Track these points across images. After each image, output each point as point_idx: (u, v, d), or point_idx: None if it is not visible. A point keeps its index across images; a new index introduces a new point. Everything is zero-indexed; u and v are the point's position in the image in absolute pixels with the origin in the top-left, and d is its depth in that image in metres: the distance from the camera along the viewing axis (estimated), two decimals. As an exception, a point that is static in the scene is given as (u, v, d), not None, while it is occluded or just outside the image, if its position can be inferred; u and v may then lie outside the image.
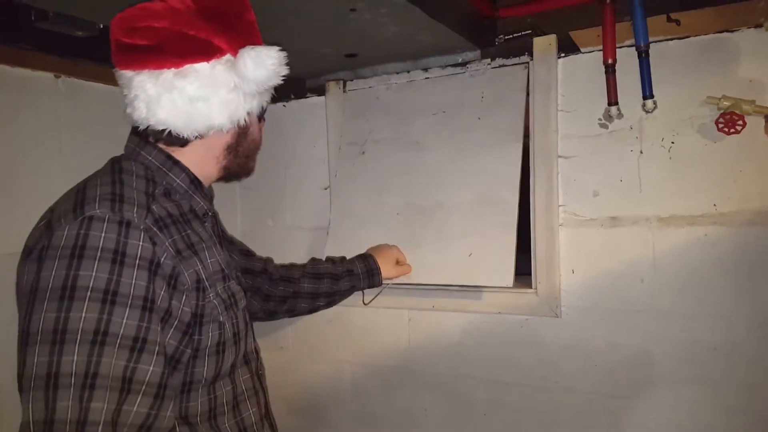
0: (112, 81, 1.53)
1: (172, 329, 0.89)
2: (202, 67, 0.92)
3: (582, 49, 1.43)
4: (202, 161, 1.03)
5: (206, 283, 0.95)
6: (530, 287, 1.52)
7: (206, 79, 0.92)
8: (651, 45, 1.31)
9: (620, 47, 1.35)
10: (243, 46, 0.94)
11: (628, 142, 1.40)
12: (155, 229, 0.88)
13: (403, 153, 1.63)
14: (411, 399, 1.70)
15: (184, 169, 1.01)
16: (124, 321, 0.81)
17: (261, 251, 1.74)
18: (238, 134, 1.04)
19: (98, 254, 0.80)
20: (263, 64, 0.93)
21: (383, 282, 1.51)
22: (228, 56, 0.94)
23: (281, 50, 0.96)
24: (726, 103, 1.25)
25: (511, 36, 1.45)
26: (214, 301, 0.96)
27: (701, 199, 1.33)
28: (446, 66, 1.59)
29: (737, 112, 1.25)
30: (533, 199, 1.49)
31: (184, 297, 0.91)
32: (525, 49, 1.47)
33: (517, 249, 1.43)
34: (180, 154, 1.01)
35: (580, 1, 1.37)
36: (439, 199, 1.55)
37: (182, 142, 0.99)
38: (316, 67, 1.68)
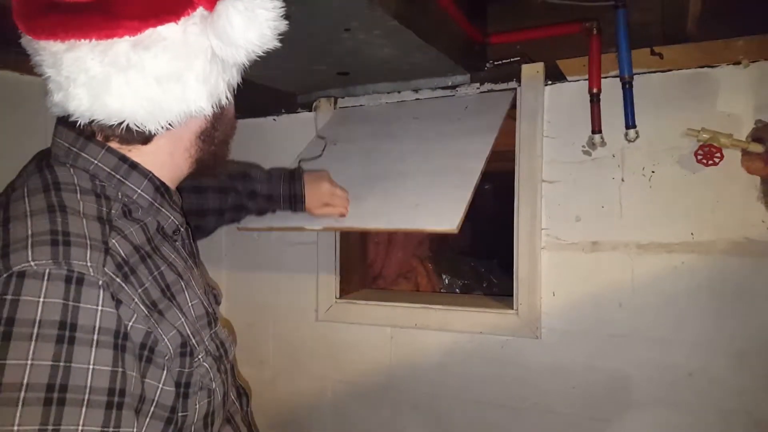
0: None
1: (148, 419, 0.65)
2: (169, 30, 0.65)
3: (568, 78, 1.47)
4: (169, 159, 0.76)
5: (193, 342, 0.71)
6: (512, 308, 1.54)
7: (177, 49, 0.66)
8: (635, 76, 1.35)
9: (605, 77, 1.40)
10: None
11: (611, 170, 1.43)
12: (118, 280, 0.63)
13: (374, 141, 1.59)
14: (392, 417, 1.69)
15: (146, 174, 0.74)
16: (80, 428, 0.55)
17: (247, 264, 1.74)
18: (215, 117, 0.78)
19: (35, 331, 0.55)
20: (256, 20, 0.66)
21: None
22: (200, 10, 0.67)
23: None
24: (705, 136, 1.29)
25: (500, 62, 1.49)
26: (205, 363, 0.73)
27: (679, 228, 1.37)
28: (436, 88, 1.62)
29: (715, 144, 1.29)
30: (517, 221, 1.52)
31: (165, 372, 0.66)
32: (513, 75, 1.51)
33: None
34: (139, 154, 0.74)
35: (567, 32, 1.41)
36: (400, 168, 1.47)
37: (144, 138, 0.72)
38: (307, 83, 1.70)
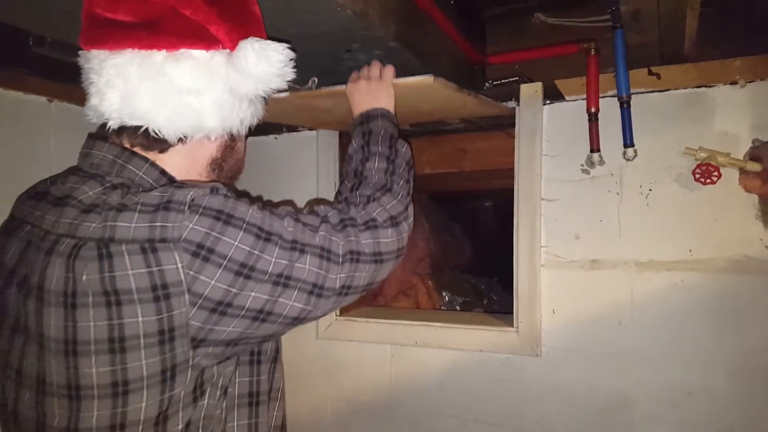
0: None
1: None
2: (199, 54, 0.77)
3: (567, 97, 1.48)
4: (185, 175, 0.82)
5: None
6: (512, 326, 1.54)
7: (203, 70, 0.76)
8: (632, 96, 1.37)
9: (603, 97, 1.41)
10: (242, 38, 0.79)
11: (609, 188, 1.44)
12: None
13: None
14: (390, 436, 1.69)
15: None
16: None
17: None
18: (225, 147, 0.86)
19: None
20: (267, 59, 0.78)
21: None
22: (227, 51, 0.79)
23: (289, 48, 0.81)
24: (703, 155, 1.31)
25: (499, 82, 1.50)
26: None
27: (678, 246, 1.38)
28: (435, 107, 1.64)
29: (713, 163, 1.30)
30: (516, 239, 1.53)
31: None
32: (512, 95, 1.52)
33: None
34: (159, 163, 0.80)
35: (565, 52, 1.43)
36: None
37: (161, 145, 0.79)
38: (308, 102, 1.71)
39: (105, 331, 0.67)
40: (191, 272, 0.67)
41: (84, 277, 0.66)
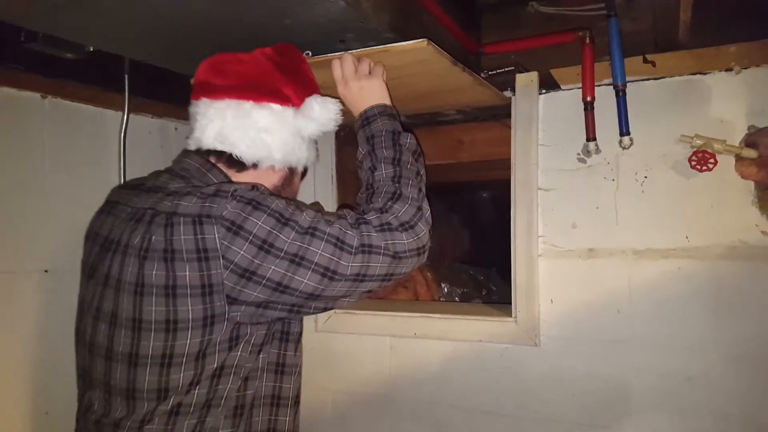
0: (100, 103, 1.56)
1: None
2: (276, 107, 1.05)
3: (562, 86, 1.48)
4: None
5: None
6: (510, 316, 1.54)
7: (277, 117, 1.04)
8: (628, 84, 1.36)
9: (599, 85, 1.41)
10: (306, 96, 1.08)
11: (606, 177, 1.44)
12: None
13: None
14: (392, 427, 1.69)
15: None
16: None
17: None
18: (285, 178, 1.10)
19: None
20: (327, 109, 1.07)
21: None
22: (294, 107, 1.07)
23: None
24: (699, 142, 1.31)
25: (494, 72, 1.50)
26: None
27: (675, 233, 1.38)
28: (431, 98, 1.63)
29: (709, 150, 1.30)
30: (514, 229, 1.53)
31: None
32: (508, 84, 1.52)
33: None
34: (233, 179, 1.05)
35: (561, 41, 1.43)
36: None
37: (240, 166, 1.04)
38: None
39: (163, 279, 0.87)
40: (225, 242, 0.86)
41: (154, 238, 0.88)
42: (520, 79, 1.50)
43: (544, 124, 1.51)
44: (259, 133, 1.03)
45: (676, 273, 1.38)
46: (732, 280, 1.33)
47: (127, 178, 1.60)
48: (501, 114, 1.61)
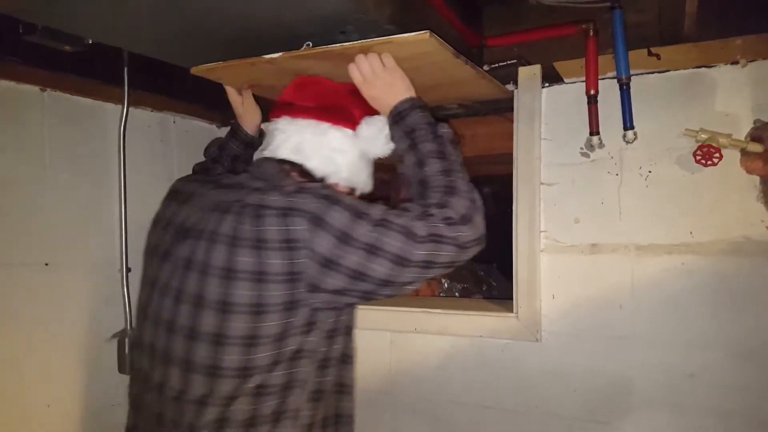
0: (99, 96, 1.56)
1: None
2: (348, 131, 1.15)
3: (565, 80, 1.46)
4: None
5: None
6: (512, 311, 1.53)
7: (348, 141, 1.15)
8: (632, 78, 1.35)
9: (602, 79, 1.39)
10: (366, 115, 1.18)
11: (609, 171, 1.43)
12: None
13: None
14: (392, 422, 1.69)
15: None
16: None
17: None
18: (350, 192, 1.18)
19: None
20: (378, 131, 1.16)
21: None
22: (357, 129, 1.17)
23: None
24: (703, 136, 1.29)
25: (497, 65, 1.48)
26: None
27: (678, 229, 1.37)
28: (433, 91, 1.62)
29: (714, 144, 1.29)
30: (516, 224, 1.52)
31: None
32: (510, 78, 1.50)
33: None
34: None
35: (564, 34, 1.41)
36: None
37: (310, 178, 1.13)
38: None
39: (252, 265, 0.94)
40: (309, 234, 0.94)
41: (244, 227, 0.96)
42: (523, 72, 1.48)
43: (546, 118, 1.49)
44: (332, 152, 1.13)
45: (680, 269, 1.37)
46: (736, 276, 1.32)
47: (127, 172, 1.61)
48: (503, 108, 1.60)
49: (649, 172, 1.39)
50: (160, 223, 1.14)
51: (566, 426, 1.48)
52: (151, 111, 1.74)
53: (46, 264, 1.44)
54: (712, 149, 1.29)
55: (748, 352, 1.31)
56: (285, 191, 0.99)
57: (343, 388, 1.14)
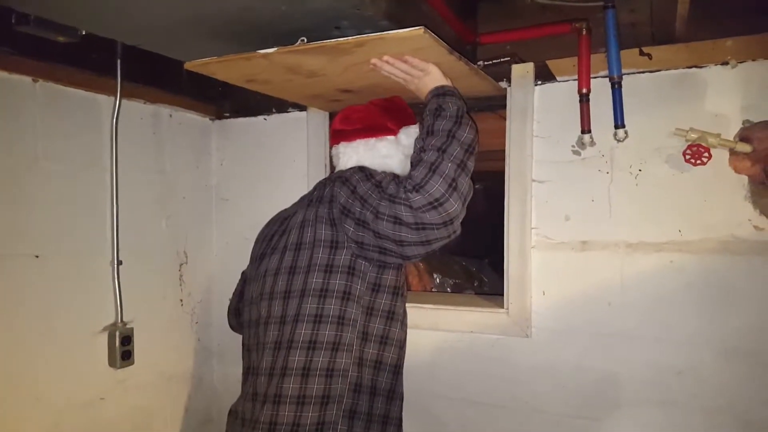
0: (92, 88, 1.55)
1: None
2: (390, 138, 1.39)
3: (558, 78, 1.47)
4: None
5: None
6: (502, 307, 1.54)
7: (392, 146, 1.39)
8: (624, 76, 1.36)
9: (594, 77, 1.40)
10: (403, 126, 1.41)
11: (600, 169, 1.44)
12: None
13: None
14: (381, 416, 1.69)
15: None
16: None
17: (236, 265, 1.73)
18: None
19: None
20: (408, 134, 1.39)
21: None
22: (396, 137, 1.40)
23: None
24: (693, 136, 1.30)
25: (490, 62, 1.49)
26: None
27: (668, 227, 1.38)
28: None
29: (704, 144, 1.30)
30: (507, 220, 1.53)
31: None
32: (503, 75, 1.51)
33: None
34: None
35: (557, 32, 1.42)
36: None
37: None
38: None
39: (327, 214, 1.28)
40: (350, 200, 1.23)
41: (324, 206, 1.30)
42: (516, 69, 1.49)
43: (539, 116, 1.50)
44: (384, 159, 1.37)
45: (669, 267, 1.38)
46: (724, 274, 1.33)
47: (119, 164, 1.60)
48: (496, 105, 1.60)
49: (639, 170, 1.41)
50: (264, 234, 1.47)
51: (555, 421, 1.49)
52: (144, 103, 1.73)
53: (37, 256, 1.43)
54: (701, 149, 1.31)
55: (736, 350, 1.32)
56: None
57: (387, 341, 1.29)
